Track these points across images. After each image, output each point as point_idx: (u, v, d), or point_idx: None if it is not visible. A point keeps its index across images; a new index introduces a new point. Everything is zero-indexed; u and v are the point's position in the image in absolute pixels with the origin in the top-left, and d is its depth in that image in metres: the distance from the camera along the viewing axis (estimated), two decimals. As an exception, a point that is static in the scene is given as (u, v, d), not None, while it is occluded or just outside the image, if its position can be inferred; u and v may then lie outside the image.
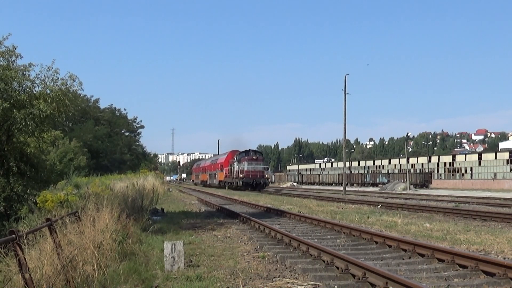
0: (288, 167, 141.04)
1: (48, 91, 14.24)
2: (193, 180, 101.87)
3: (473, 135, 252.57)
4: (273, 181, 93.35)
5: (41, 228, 7.60)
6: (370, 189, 60.45)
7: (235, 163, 52.87)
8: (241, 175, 50.02)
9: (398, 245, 9.96)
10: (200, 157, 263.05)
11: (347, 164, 75.85)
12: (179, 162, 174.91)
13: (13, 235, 5.49)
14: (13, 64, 14.22)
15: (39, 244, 7.77)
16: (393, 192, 46.30)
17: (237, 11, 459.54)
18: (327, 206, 22.87)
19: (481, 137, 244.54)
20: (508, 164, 74.79)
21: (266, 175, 54.08)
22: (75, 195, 17.16)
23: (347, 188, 43.30)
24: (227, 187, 57.87)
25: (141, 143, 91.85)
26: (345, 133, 41.98)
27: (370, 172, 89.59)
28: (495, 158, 78.65)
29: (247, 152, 52.80)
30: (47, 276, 6.46)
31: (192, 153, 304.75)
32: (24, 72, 14.27)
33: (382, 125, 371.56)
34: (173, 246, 8.34)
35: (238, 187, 51.39)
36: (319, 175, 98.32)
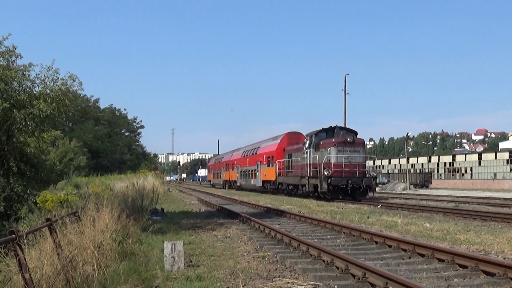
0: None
1: (48, 91, 14.26)
2: (209, 181, 75.35)
3: (473, 135, 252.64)
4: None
5: (41, 228, 7.61)
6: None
7: (307, 151, 30.42)
8: (326, 173, 27.43)
9: (398, 245, 9.95)
10: (201, 157, 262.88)
11: (347, 164, 75.40)
12: (179, 162, 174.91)
13: (13, 235, 5.49)
14: (13, 64, 14.25)
15: (39, 244, 7.77)
16: (393, 192, 46.27)
17: (238, 11, 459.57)
18: (327, 206, 22.85)
19: (481, 137, 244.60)
20: (508, 164, 74.77)
21: (371, 172, 29.99)
22: (75, 195, 17.20)
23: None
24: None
25: (141, 143, 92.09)
26: (345, 133, 41.76)
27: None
28: (495, 158, 78.63)
29: (330, 130, 30.18)
30: (47, 276, 6.47)
31: (192, 153, 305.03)
32: (24, 72, 14.29)
33: (382, 125, 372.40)
34: (173, 246, 8.34)
35: (316, 193, 29.23)
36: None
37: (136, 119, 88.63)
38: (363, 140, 30.06)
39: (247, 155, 48.08)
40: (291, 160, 34.47)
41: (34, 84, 14.47)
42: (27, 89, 14.30)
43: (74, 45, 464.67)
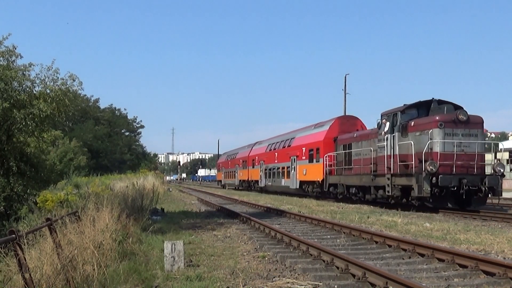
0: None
1: (48, 91, 14.27)
2: (220, 181, 63.68)
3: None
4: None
5: (41, 228, 7.61)
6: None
7: (388, 136, 20.89)
8: (430, 168, 18.05)
9: (398, 245, 9.96)
10: (201, 157, 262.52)
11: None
12: (179, 162, 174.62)
13: (13, 235, 5.49)
14: (13, 64, 14.25)
15: (39, 244, 7.78)
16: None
17: (238, 11, 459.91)
18: (327, 205, 22.85)
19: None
20: (508, 164, 74.75)
21: (497, 167, 19.00)
22: (75, 195, 17.23)
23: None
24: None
25: (141, 143, 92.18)
26: (345, 133, 41.49)
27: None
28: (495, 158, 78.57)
29: (423, 105, 20.70)
30: (47, 276, 6.47)
31: (192, 153, 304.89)
32: (24, 72, 14.29)
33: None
34: (173, 246, 8.34)
35: (404, 199, 20.26)
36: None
37: (136, 119, 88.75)
38: (482, 118, 19.56)
39: (275, 149, 38.76)
40: (350, 152, 25.22)
41: (34, 84, 14.48)
42: (27, 89, 14.31)
43: (74, 45, 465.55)
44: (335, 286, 7.00)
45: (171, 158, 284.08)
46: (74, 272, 7.05)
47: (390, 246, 10.21)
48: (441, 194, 18.28)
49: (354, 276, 7.37)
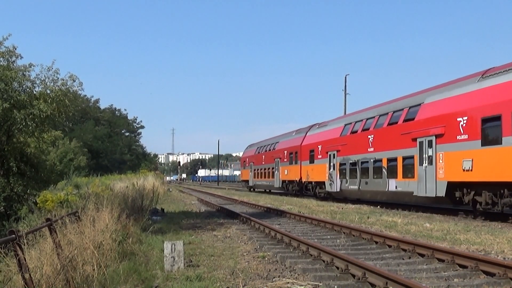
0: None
1: (48, 91, 14.29)
2: (246, 181, 49.44)
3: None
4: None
5: (41, 228, 7.62)
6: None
7: None
8: None
9: (398, 245, 9.96)
10: (201, 157, 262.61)
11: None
12: (179, 162, 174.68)
13: (13, 235, 5.50)
14: (13, 65, 14.26)
15: (39, 244, 7.79)
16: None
17: (238, 11, 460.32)
18: (327, 206, 22.85)
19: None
20: (508, 164, 74.32)
21: None
22: (75, 195, 17.24)
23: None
24: None
25: (141, 143, 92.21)
26: (345, 133, 41.00)
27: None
28: (495, 158, 78.11)
29: None
30: (47, 276, 6.48)
31: (192, 153, 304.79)
32: (24, 73, 14.32)
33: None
34: (173, 246, 8.34)
35: None
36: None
37: (136, 119, 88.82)
38: None
39: (367, 129, 23.69)
40: None
41: (34, 85, 14.50)
42: (27, 89, 14.32)
43: (74, 45, 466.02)
44: (335, 286, 7.00)
45: (171, 158, 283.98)
46: (74, 272, 7.05)
47: (390, 246, 10.22)
48: None
49: (354, 276, 7.37)
